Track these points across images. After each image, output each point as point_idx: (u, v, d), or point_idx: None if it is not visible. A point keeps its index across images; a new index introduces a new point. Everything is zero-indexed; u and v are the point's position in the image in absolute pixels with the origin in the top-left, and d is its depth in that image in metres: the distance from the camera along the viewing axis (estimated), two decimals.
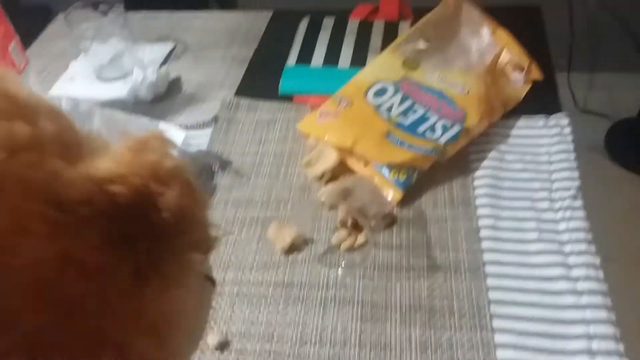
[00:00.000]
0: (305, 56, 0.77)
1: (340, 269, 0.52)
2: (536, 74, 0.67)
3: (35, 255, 0.17)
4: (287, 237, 0.55)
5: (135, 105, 0.74)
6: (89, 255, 0.18)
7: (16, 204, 0.17)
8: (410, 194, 0.58)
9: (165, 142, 0.21)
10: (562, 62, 1.59)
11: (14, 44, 0.61)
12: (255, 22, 0.89)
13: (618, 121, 1.53)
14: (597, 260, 0.49)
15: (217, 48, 0.84)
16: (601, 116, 1.56)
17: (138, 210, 0.19)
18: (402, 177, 0.58)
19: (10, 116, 0.18)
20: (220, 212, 0.59)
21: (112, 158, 0.20)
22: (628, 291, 1.13)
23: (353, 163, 0.61)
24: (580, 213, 0.54)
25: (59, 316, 0.18)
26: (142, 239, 0.20)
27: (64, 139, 0.20)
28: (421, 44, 0.69)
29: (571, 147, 0.60)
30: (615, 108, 1.59)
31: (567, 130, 0.62)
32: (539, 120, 0.64)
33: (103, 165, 0.20)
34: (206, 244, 0.23)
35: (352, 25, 0.81)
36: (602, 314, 0.45)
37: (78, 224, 0.18)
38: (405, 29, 0.77)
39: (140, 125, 0.63)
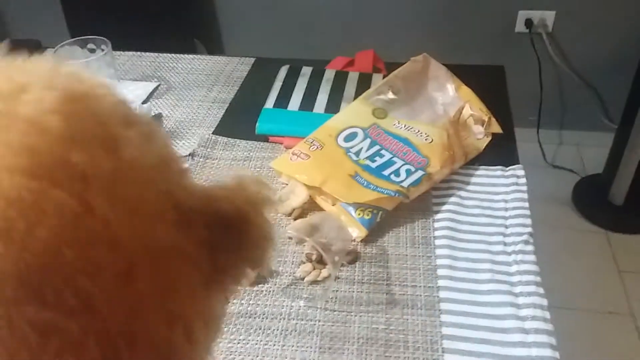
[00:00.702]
0: (282, 100, 0.81)
1: (302, 301, 0.54)
2: (496, 128, 0.73)
3: (165, 240, 0.22)
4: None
5: None
6: (193, 249, 0.23)
7: (156, 201, 0.22)
8: (374, 232, 0.61)
9: (261, 183, 0.28)
10: (532, 118, 1.67)
11: None
12: (238, 67, 0.93)
13: (585, 177, 1.61)
14: (544, 302, 0.53)
15: (200, 89, 0.88)
16: (569, 171, 1.64)
17: (232, 224, 0.25)
18: (367, 216, 0.61)
19: (149, 138, 0.23)
20: None
21: (222, 185, 0.27)
22: (585, 338, 1.16)
23: (321, 201, 0.64)
24: (532, 257, 0.57)
25: (154, 295, 0.21)
26: (225, 249, 0.25)
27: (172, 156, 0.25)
28: (390, 95, 0.74)
29: (525, 196, 0.65)
30: (582, 164, 1.67)
31: (522, 180, 0.67)
32: (497, 171, 0.69)
33: (216, 188, 0.26)
34: (261, 262, 0.28)
35: (329, 74, 0.86)
36: (547, 352, 0.48)
37: (189, 225, 0.23)
38: (377, 80, 0.83)
39: None
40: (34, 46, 1.05)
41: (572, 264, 1.33)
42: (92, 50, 0.82)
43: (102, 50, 0.80)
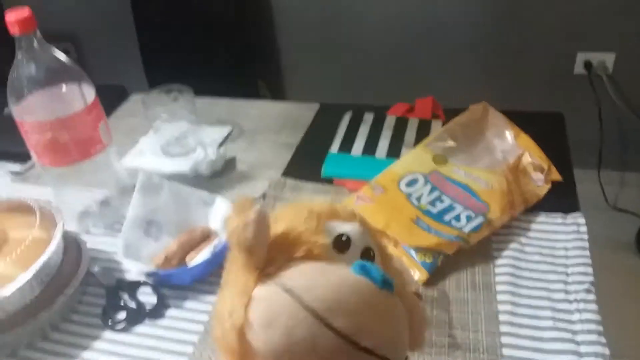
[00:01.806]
0: (346, 145, 0.86)
1: None
2: (556, 176, 0.74)
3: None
4: None
5: (194, 179, 0.84)
6: None
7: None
8: (435, 275, 0.63)
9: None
10: (593, 160, 1.65)
11: (103, 124, 0.72)
12: (304, 112, 1.00)
13: None
14: (606, 351, 0.53)
15: (269, 133, 0.95)
16: (632, 214, 1.59)
17: None
18: (429, 260, 0.64)
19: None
20: None
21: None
22: None
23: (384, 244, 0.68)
24: (593, 306, 0.58)
25: None
26: None
27: None
28: (450, 143, 0.78)
29: (586, 244, 0.66)
30: None
31: (583, 228, 0.68)
32: (557, 218, 0.70)
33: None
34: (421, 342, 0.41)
35: (390, 120, 0.91)
36: None
37: None
38: (436, 127, 0.86)
39: (200, 197, 0.72)
40: (119, 92, 1.16)
41: (636, 311, 1.28)
42: (175, 98, 0.90)
43: (185, 97, 0.88)
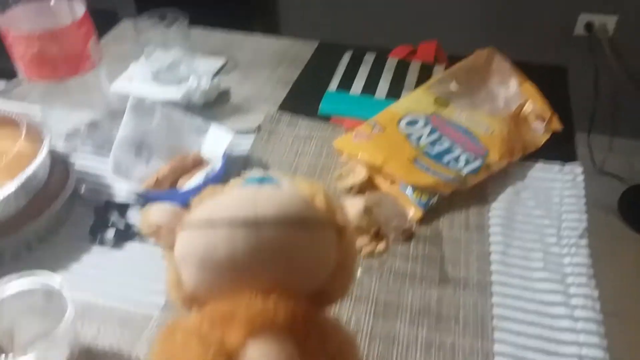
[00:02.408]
0: (345, 84, 0.84)
1: (359, 270, 0.57)
2: (556, 125, 0.73)
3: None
4: None
5: (186, 108, 0.81)
6: None
7: None
8: (430, 214, 0.63)
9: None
10: (584, 123, 1.65)
11: (93, 41, 0.68)
12: (302, 49, 0.97)
13: (633, 185, 1.58)
14: (595, 293, 0.54)
15: (265, 68, 0.92)
16: (617, 178, 1.61)
17: None
18: (424, 199, 0.63)
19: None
20: None
21: None
22: (625, 346, 1.15)
23: (380, 181, 0.67)
24: (585, 251, 0.58)
25: None
26: None
27: None
28: (453, 86, 0.76)
29: (582, 192, 0.66)
30: (631, 173, 1.64)
31: (580, 178, 0.68)
32: (554, 166, 0.70)
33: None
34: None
35: (391, 62, 0.89)
36: (594, 339, 0.50)
37: None
38: (439, 71, 0.85)
39: (193, 124, 0.70)
40: (110, 17, 1.11)
41: (614, 272, 1.32)
42: (168, 24, 0.86)
43: (179, 23, 0.84)
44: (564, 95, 0.83)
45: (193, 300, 0.33)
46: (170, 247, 0.33)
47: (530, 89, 0.76)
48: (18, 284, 0.45)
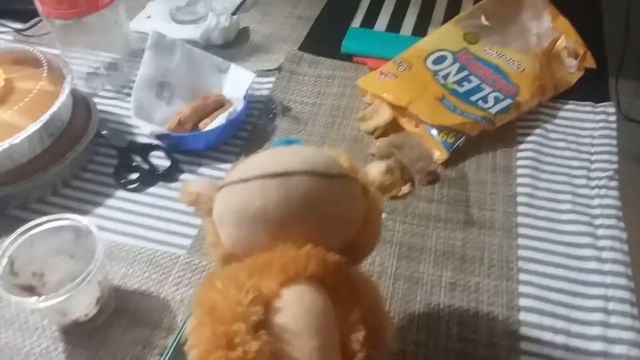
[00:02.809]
0: (369, 20, 0.81)
1: (383, 213, 0.57)
2: (590, 63, 0.70)
3: None
4: None
5: (205, 47, 0.79)
6: None
7: None
8: (456, 156, 0.62)
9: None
10: (612, 67, 1.58)
11: None
12: None
13: None
14: (624, 235, 0.53)
15: (285, 5, 0.89)
16: None
17: None
18: (450, 140, 0.62)
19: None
20: None
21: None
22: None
23: (405, 122, 0.65)
24: (615, 192, 0.57)
25: None
26: None
27: None
28: (483, 21, 0.72)
29: (614, 133, 0.63)
30: None
31: (612, 118, 0.65)
32: (586, 106, 0.67)
33: None
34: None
35: None
36: (622, 281, 0.49)
37: None
38: (467, 5, 0.80)
39: (214, 63, 0.68)
40: None
41: (638, 220, 1.29)
42: None
43: None
44: (597, 30, 0.79)
45: (232, 258, 0.34)
46: (209, 213, 0.35)
47: (564, 23, 0.72)
48: (47, 225, 0.45)
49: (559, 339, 0.46)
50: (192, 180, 0.37)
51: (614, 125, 0.64)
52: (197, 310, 0.31)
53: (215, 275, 0.32)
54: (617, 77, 1.58)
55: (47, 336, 0.48)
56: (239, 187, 0.33)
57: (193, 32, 0.81)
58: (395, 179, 0.35)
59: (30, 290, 0.45)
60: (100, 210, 0.58)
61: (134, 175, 0.60)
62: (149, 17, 0.87)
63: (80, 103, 0.64)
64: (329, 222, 0.33)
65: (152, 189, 0.60)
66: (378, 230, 0.37)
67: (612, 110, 0.66)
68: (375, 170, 0.35)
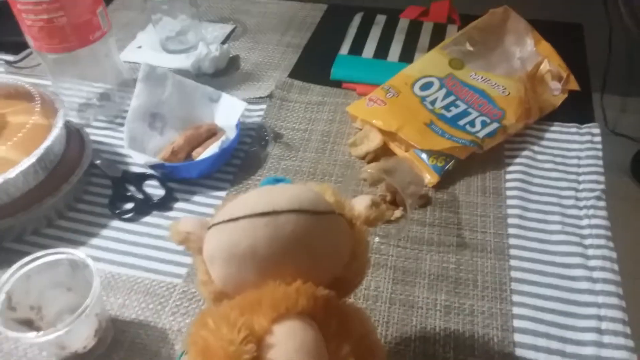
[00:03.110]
0: (356, 48, 0.82)
1: (376, 237, 0.58)
2: (573, 85, 0.72)
3: None
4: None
5: (197, 77, 0.80)
6: None
7: None
8: (446, 179, 0.63)
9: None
10: (597, 82, 1.62)
11: (101, 9, 0.67)
12: (311, 12, 0.95)
13: None
14: (613, 254, 0.54)
15: (274, 33, 0.90)
16: (630, 139, 1.59)
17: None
18: (440, 164, 0.63)
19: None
20: None
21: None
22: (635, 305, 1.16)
23: (395, 147, 0.67)
24: (603, 212, 0.58)
25: None
26: None
27: None
28: (467, 47, 0.75)
29: (600, 154, 0.65)
30: None
31: (598, 139, 0.67)
32: (571, 127, 0.69)
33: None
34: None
35: (403, 23, 0.87)
36: (614, 300, 0.50)
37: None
38: (452, 32, 0.83)
39: (205, 93, 0.69)
40: None
41: (629, 233, 1.31)
42: None
43: None
44: (580, 53, 0.81)
45: (223, 295, 0.35)
46: (199, 251, 0.35)
47: (546, 47, 0.74)
48: (43, 259, 0.45)
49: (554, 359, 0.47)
50: (182, 219, 0.37)
51: (599, 146, 0.66)
52: (191, 349, 0.31)
53: (207, 313, 0.33)
54: (602, 93, 1.62)
55: None
56: (228, 227, 0.33)
57: (184, 61, 0.82)
58: (380, 212, 0.36)
59: (28, 324, 0.45)
60: (95, 241, 0.58)
61: (129, 205, 0.61)
62: (139, 47, 0.88)
63: (74, 135, 0.64)
64: (317, 257, 0.34)
65: (147, 218, 0.60)
66: (365, 263, 0.38)
67: (596, 130, 0.68)
68: (360, 205, 0.36)
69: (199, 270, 0.36)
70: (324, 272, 0.34)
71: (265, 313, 0.31)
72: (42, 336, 0.41)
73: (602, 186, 0.61)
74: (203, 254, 0.35)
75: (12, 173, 0.53)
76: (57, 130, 0.58)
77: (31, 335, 0.41)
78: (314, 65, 0.82)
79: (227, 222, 0.33)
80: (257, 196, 0.34)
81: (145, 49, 0.87)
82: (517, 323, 0.49)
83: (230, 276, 0.34)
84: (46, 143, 0.56)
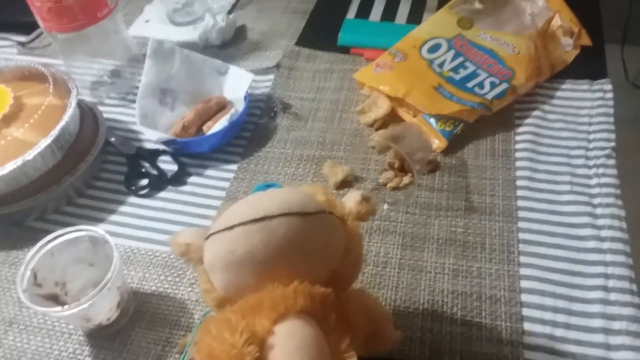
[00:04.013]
0: (364, 11, 0.81)
1: (385, 204, 0.59)
2: (585, 40, 0.70)
3: None
4: (339, 173, 0.61)
5: (204, 49, 0.80)
6: None
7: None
8: (454, 143, 0.63)
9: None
10: (617, 34, 1.56)
11: None
12: None
13: None
14: (622, 213, 0.54)
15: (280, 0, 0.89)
16: None
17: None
18: (448, 128, 0.63)
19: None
20: (280, 149, 0.66)
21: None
22: None
23: (403, 113, 0.67)
24: (613, 171, 0.58)
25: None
26: None
27: None
28: (477, 5, 0.73)
29: (611, 111, 0.64)
30: None
31: (609, 95, 0.66)
32: (583, 84, 0.68)
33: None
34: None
35: None
36: (621, 258, 0.50)
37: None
38: None
39: (213, 66, 0.70)
40: None
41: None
42: None
43: None
44: (593, 7, 0.79)
45: (225, 301, 0.36)
46: (200, 261, 0.37)
47: (558, 2, 0.72)
48: (65, 237, 0.48)
49: (560, 318, 0.48)
50: (181, 231, 0.38)
51: (610, 103, 0.65)
52: (197, 356, 0.33)
53: (211, 320, 0.35)
54: (623, 44, 1.56)
55: (73, 340, 0.50)
56: (225, 235, 0.35)
57: (192, 33, 0.82)
58: (370, 206, 0.38)
59: (54, 299, 0.48)
60: (114, 217, 0.60)
61: (144, 181, 0.63)
62: (147, 20, 0.88)
63: (87, 114, 0.66)
64: (312, 257, 0.36)
65: (162, 194, 0.62)
66: (360, 258, 0.39)
67: (608, 87, 0.67)
68: (351, 201, 0.38)
69: (201, 279, 0.37)
70: (320, 270, 0.36)
71: (266, 314, 0.33)
72: (67, 310, 0.43)
73: (612, 144, 0.60)
74: (204, 263, 0.37)
75: (30, 155, 0.55)
76: (70, 110, 0.59)
77: (57, 309, 0.43)
78: (321, 31, 0.82)
79: (223, 231, 0.35)
80: (250, 203, 0.36)
81: (153, 23, 0.87)
82: (524, 284, 0.50)
83: (230, 282, 0.35)
84: (61, 123, 0.58)
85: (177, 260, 0.56)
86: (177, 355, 0.48)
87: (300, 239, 0.35)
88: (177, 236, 0.38)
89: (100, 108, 0.70)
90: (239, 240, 0.34)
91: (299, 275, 0.34)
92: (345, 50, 0.78)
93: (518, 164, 0.60)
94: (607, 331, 0.46)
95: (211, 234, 0.36)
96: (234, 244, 0.34)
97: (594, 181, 0.57)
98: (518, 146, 0.62)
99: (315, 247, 0.35)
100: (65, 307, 0.43)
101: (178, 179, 0.63)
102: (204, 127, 0.66)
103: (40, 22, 0.67)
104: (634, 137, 1.49)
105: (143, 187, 0.62)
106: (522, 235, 0.54)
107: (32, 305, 0.44)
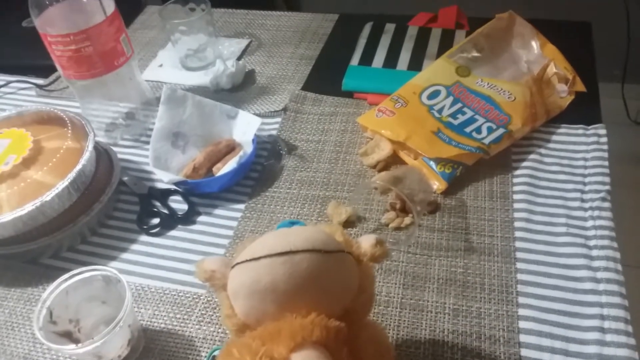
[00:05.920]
0: (367, 57, 0.85)
1: (387, 244, 0.61)
2: (580, 87, 0.73)
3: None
4: (343, 214, 0.63)
5: (215, 92, 0.84)
6: None
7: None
8: (454, 185, 0.65)
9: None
10: (617, 72, 1.60)
11: (124, 36, 0.72)
12: (322, 23, 0.98)
13: None
14: (617, 255, 0.56)
15: (288, 46, 0.94)
16: None
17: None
18: (448, 170, 0.65)
19: None
20: (286, 189, 0.68)
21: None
22: None
23: (404, 155, 0.69)
24: (608, 213, 0.60)
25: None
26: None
27: None
28: (474, 53, 0.76)
29: (606, 155, 0.66)
30: None
31: (604, 139, 0.68)
32: (578, 129, 0.70)
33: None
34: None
35: (412, 31, 0.89)
36: (616, 300, 0.52)
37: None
38: (460, 37, 0.85)
39: (223, 111, 0.73)
40: (134, 3, 1.13)
41: None
42: (192, 9, 0.89)
43: (202, 9, 0.86)
44: (588, 52, 0.82)
45: (245, 327, 0.39)
46: (224, 288, 0.40)
47: (552, 50, 0.75)
48: (79, 276, 0.50)
49: (558, 358, 0.49)
50: (206, 258, 0.41)
51: (605, 147, 0.67)
52: None
53: (232, 344, 0.37)
54: (623, 83, 1.60)
55: None
56: (250, 265, 0.37)
57: (203, 78, 0.87)
58: (384, 249, 0.41)
59: (67, 336, 0.50)
60: (126, 255, 0.62)
61: (155, 220, 0.65)
62: (160, 65, 0.92)
63: (103, 155, 0.69)
64: (330, 292, 0.38)
65: (172, 232, 0.64)
66: (372, 297, 0.42)
67: (603, 131, 0.69)
68: (366, 243, 0.41)
69: (223, 304, 0.40)
70: (335, 305, 0.38)
71: (284, 342, 0.35)
72: (80, 348, 0.45)
73: (607, 187, 0.62)
74: (227, 290, 0.39)
75: (48, 196, 0.57)
76: (88, 154, 0.62)
77: (71, 347, 0.45)
78: (327, 76, 0.85)
79: (249, 261, 0.38)
80: (276, 238, 0.39)
81: (166, 67, 0.92)
82: (522, 324, 0.52)
83: (252, 309, 0.38)
84: (78, 166, 0.61)
85: (186, 298, 0.57)
86: None
87: (321, 274, 0.37)
88: (202, 263, 0.40)
89: (115, 149, 0.73)
90: (264, 271, 0.37)
91: (316, 308, 0.37)
92: (349, 94, 0.81)
93: (516, 205, 0.63)
94: None
95: (237, 263, 0.38)
96: (259, 274, 0.37)
97: (589, 223, 0.59)
98: (515, 188, 0.64)
99: (334, 283, 0.38)
100: (79, 345, 0.45)
101: (188, 218, 0.65)
102: (214, 169, 0.69)
103: (59, 70, 0.71)
104: (635, 174, 1.51)
105: (154, 226, 0.64)
106: (520, 276, 0.56)
107: (47, 343, 0.45)
